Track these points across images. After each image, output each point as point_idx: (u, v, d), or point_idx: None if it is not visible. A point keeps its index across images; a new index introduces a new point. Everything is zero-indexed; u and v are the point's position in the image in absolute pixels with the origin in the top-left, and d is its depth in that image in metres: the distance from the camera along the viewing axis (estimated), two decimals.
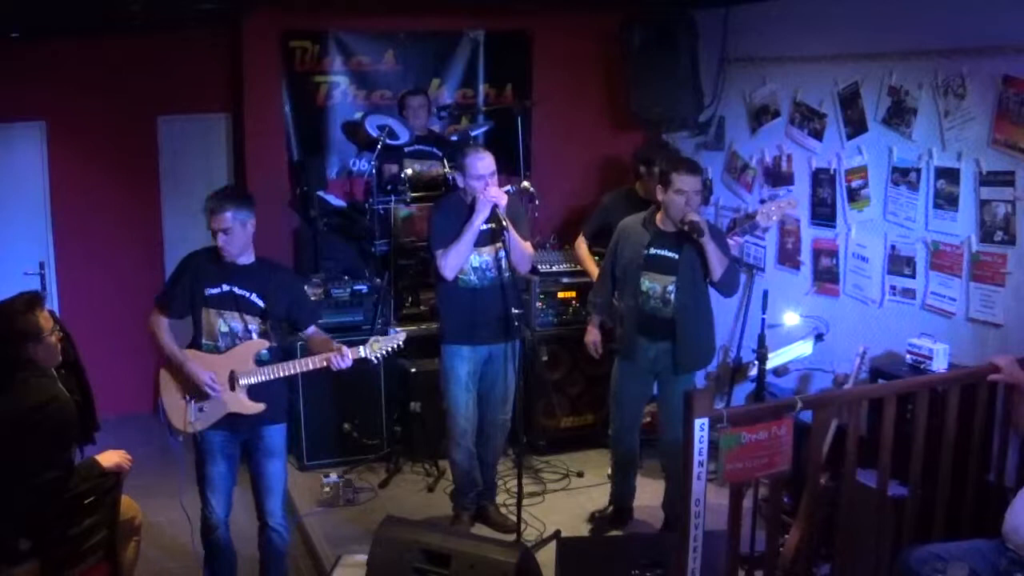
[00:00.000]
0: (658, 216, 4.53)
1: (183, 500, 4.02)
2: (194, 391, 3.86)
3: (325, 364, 3.90)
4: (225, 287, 3.88)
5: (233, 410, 3.90)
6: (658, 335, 4.50)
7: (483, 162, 4.48)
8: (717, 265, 4.39)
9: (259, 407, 3.91)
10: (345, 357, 3.89)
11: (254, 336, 3.91)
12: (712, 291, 4.58)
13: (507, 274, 4.59)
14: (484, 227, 4.50)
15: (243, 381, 3.88)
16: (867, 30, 4.94)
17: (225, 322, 3.89)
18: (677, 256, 4.45)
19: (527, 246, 4.64)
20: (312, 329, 4.08)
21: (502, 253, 4.51)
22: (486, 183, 4.45)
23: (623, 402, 4.70)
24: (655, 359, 4.55)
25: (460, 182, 4.54)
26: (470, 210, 4.47)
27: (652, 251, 4.49)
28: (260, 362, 3.91)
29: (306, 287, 5.52)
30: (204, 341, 3.92)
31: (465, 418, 4.68)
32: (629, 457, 4.82)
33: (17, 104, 6.03)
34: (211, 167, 6.63)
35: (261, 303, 3.90)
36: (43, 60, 5.99)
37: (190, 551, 4.29)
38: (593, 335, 4.88)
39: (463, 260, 4.51)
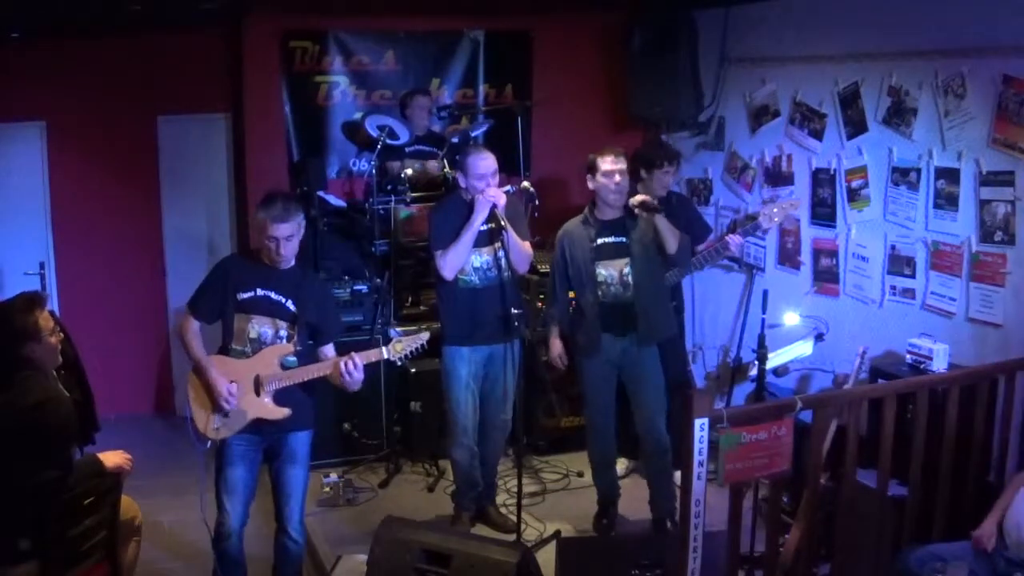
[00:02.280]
0: (595, 209, 4.66)
1: (203, 507, 3.95)
2: (213, 399, 3.82)
3: (336, 371, 3.84)
4: (260, 292, 3.84)
5: (258, 415, 3.84)
6: (623, 327, 4.58)
7: (485, 162, 4.48)
8: (671, 237, 4.52)
9: (284, 412, 3.85)
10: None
11: (282, 341, 3.87)
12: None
13: (507, 274, 4.59)
14: (484, 227, 4.50)
15: (268, 386, 3.82)
16: (867, 30, 4.94)
17: (255, 327, 3.84)
18: (625, 239, 4.57)
19: (526, 246, 4.64)
20: (330, 349, 3.99)
21: (502, 253, 4.51)
22: (487, 183, 4.46)
23: (595, 402, 4.75)
24: (622, 352, 4.62)
25: (462, 181, 4.54)
26: (470, 209, 4.47)
27: (600, 241, 4.60)
28: (286, 367, 3.85)
29: None
30: (233, 346, 3.87)
31: (466, 417, 4.68)
32: (609, 456, 4.89)
33: (17, 104, 6.03)
34: (211, 167, 6.64)
35: (293, 308, 3.85)
36: (43, 60, 5.99)
37: (191, 552, 4.28)
38: (556, 348, 4.89)
39: (462, 260, 4.51)
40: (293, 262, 3.90)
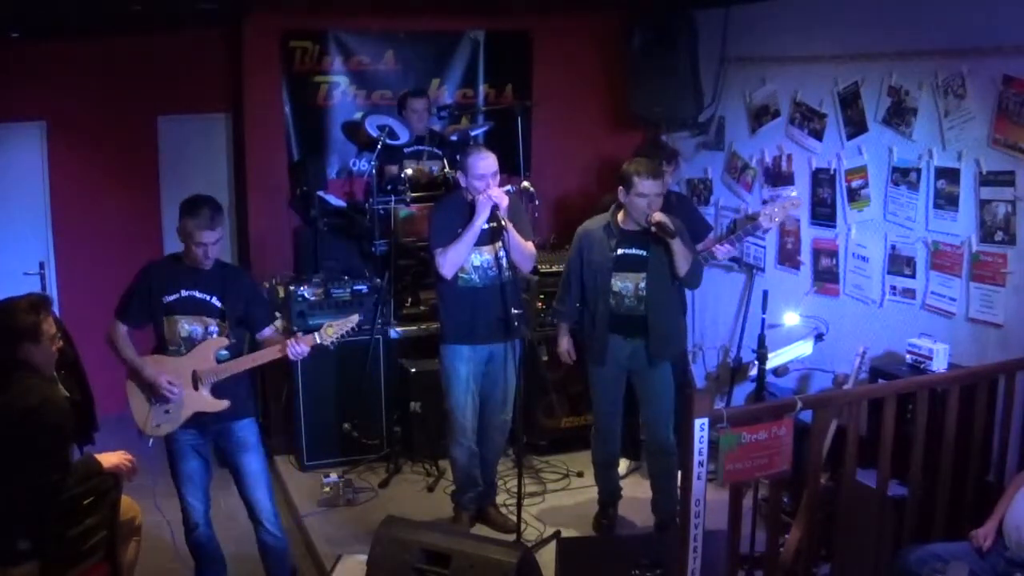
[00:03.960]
0: (619, 216, 4.55)
1: (158, 504, 4.04)
2: (156, 394, 3.91)
3: (282, 354, 3.95)
4: (184, 292, 3.93)
5: (198, 409, 3.95)
6: (632, 332, 4.53)
7: (485, 162, 4.47)
8: (683, 263, 4.43)
9: (223, 404, 3.96)
10: (300, 344, 3.93)
11: (213, 337, 3.95)
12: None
13: (508, 274, 4.59)
14: (485, 226, 4.50)
15: (206, 380, 3.93)
16: (867, 30, 4.94)
17: (185, 327, 3.93)
18: (645, 253, 4.49)
19: (529, 245, 4.63)
20: (269, 331, 4.12)
21: (503, 252, 4.51)
22: (487, 183, 4.45)
23: (602, 407, 4.74)
24: (631, 355, 4.58)
25: (462, 181, 4.54)
26: (470, 209, 4.47)
27: (620, 252, 4.51)
28: (220, 360, 3.96)
29: (294, 287, 5.55)
30: (168, 347, 3.97)
31: (466, 417, 4.68)
32: (611, 457, 4.88)
33: (17, 104, 6.03)
34: (211, 167, 6.64)
35: (219, 304, 3.95)
36: (43, 60, 5.99)
37: (188, 552, 4.30)
38: (564, 343, 4.84)
39: (462, 260, 4.51)
40: (211, 262, 3.98)
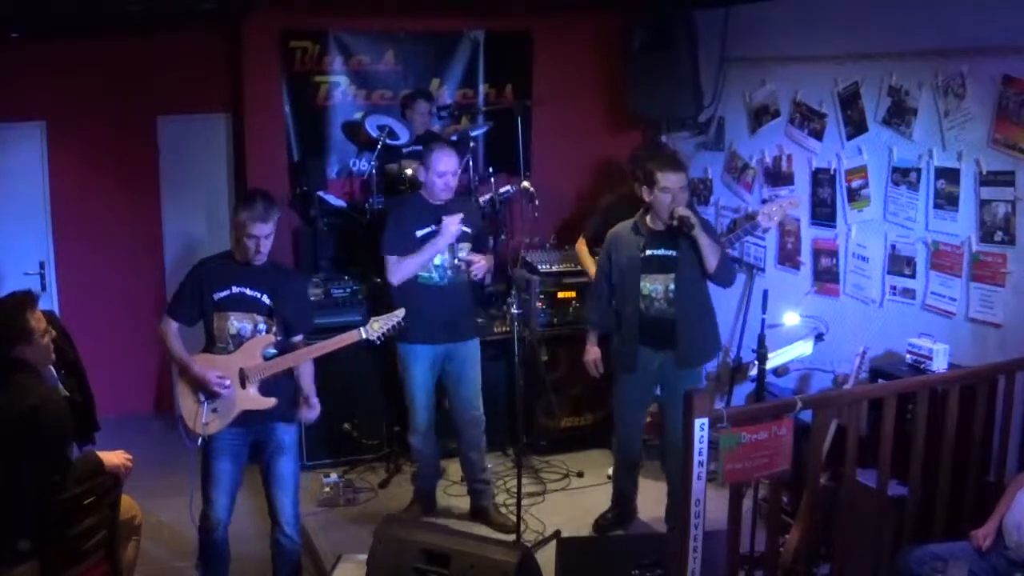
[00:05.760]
0: (647, 217, 4.52)
1: (191, 504, 4.01)
2: (205, 392, 3.89)
3: (328, 350, 3.96)
4: (235, 289, 3.91)
5: (246, 407, 3.92)
6: (662, 343, 4.46)
7: (448, 159, 4.57)
8: (711, 256, 4.33)
9: (271, 402, 3.94)
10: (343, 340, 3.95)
11: (262, 334, 3.94)
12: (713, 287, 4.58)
13: (464, 276, 4.68)
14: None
15: (253, 378, 3.91)
16: (867, 30, 4.94)
17: (234, 324, 3.92)
18: (675, 253, 4.42)
19: (489, 260, 4.74)
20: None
21: (461, 254, 4.61)
22: (447, 181, 4.55)
23: (626, 412, 4.72)
24: (660, 368, 4.52)
25: (421, 175, 4.62)
26: (430, 211, 4.56)
27: (648, 252, 4.47)
28: (267, 358, 3.94)
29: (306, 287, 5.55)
30: (216, 344, 3.95)
31: (423, 412, 4.77)
32: (633, 461, 4.85)
33: (17, 104, 6.03)
34: (211, 167, 6.63)
35: (268, 302, 3.94)
36: (43, 60, 5.99)
37: (195, 550, 4.30)
38: (593, 353, 4.75)
39: (413, 274, 4.58)
40: (266, 259, 3.97)
